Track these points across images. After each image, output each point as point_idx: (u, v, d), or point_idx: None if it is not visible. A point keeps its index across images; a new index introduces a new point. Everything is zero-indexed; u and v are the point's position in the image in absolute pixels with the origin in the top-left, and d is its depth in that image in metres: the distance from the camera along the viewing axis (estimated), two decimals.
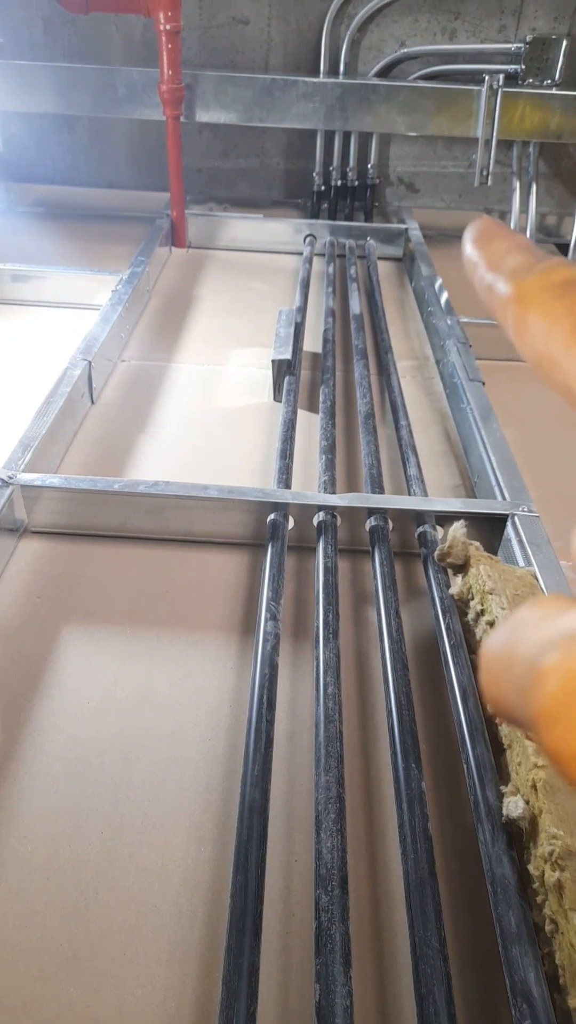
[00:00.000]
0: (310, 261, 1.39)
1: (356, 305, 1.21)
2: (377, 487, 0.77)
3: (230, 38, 1.56)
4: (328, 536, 0.69)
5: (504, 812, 0.45)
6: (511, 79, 1.48)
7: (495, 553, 0.71)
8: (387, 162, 1.71)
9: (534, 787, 0.43)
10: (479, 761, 0.49)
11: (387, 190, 1.74)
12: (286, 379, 0.97)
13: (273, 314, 1.15)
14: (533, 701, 0.12)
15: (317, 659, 0.56)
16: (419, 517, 0.71)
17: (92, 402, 0.96)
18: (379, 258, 1.49)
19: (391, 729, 0.51)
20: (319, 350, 1.09)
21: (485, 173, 1.49)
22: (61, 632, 0.63)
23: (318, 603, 0.62)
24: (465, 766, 0.49)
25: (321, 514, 0.71)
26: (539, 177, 1.62)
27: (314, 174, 1.64)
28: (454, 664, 0.56)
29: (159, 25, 1.26)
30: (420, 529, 0.70)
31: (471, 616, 0.60)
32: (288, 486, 0.77)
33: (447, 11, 1.53)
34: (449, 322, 1.11)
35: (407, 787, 0.47)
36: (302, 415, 0.95)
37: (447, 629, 0.59)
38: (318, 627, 0.59)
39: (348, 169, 1.63)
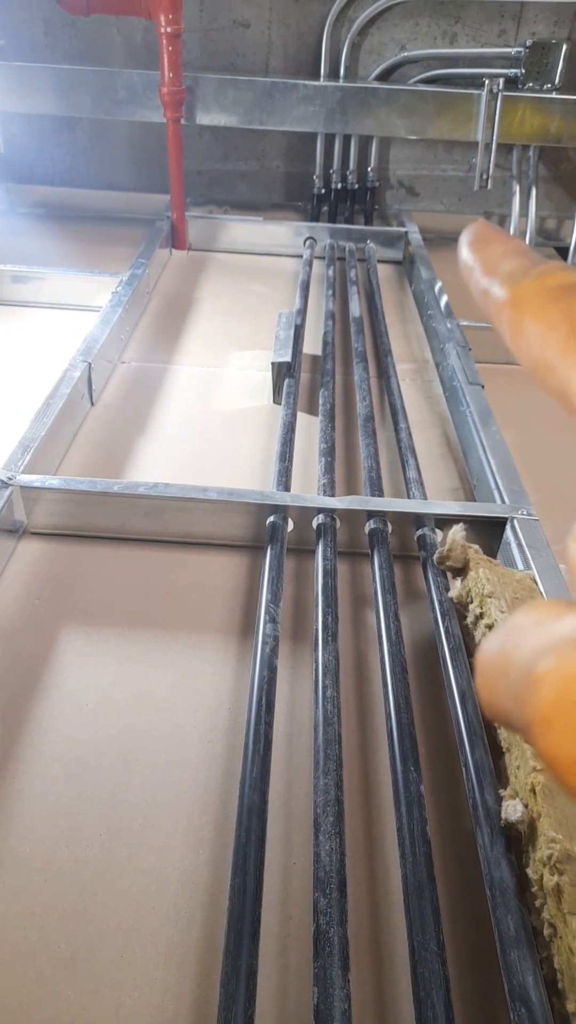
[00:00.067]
0: (310, 264, 1.39)
1: (356, 308, 1.21)
2: (376, 490, 0.77)
3: (231, 41, 1.57)
4: (327, 538, 0.69)
5: (503, 816, 0.45)
6: (511, 83, 1.48)
7: (494, 556, 0.71)
8: (387, 165, 1.71)
9: (533, 791, 0.43)
10: (478, 764, 0.49)
11: (387, 193, 1.74)
12: (286, 381, 0.97)
13: (273, 316, 1.15)
14: (528, 706, 0.12)
15: (316, 662, 0.56)
16: (418, 520, 0.71)
17: (92, 404, 0.96)
18: (379, 261, 1.49)
19: (390, 732, 0.51)
20: (319, 353, 1.09)
21: (485, 177, 1.49)
22: (60, 633, 0.63)
23: (317, 605, 0.62)
24: (464, 769, 0.49)
25: (320, 516, 0.71)
26: (539, 181, 1.63)
27: (314, 177, 1.65)
28: (453, 667, 0.56)
29: (160, 27, 1.26)
30: (419, 532, 0.71)
31: (470, 619, 0.60)
32: (287, 488, 0.77)
33: (447, 15, 1.53)
34: (449, 325, 1.12)
35: (406, 790, 0.47)
36: (302, 417, 0.95)
37: (446, 632, 0.59)
38: (317, 630, 0.59)
39: (348, 172, 1.63)
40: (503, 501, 0.74)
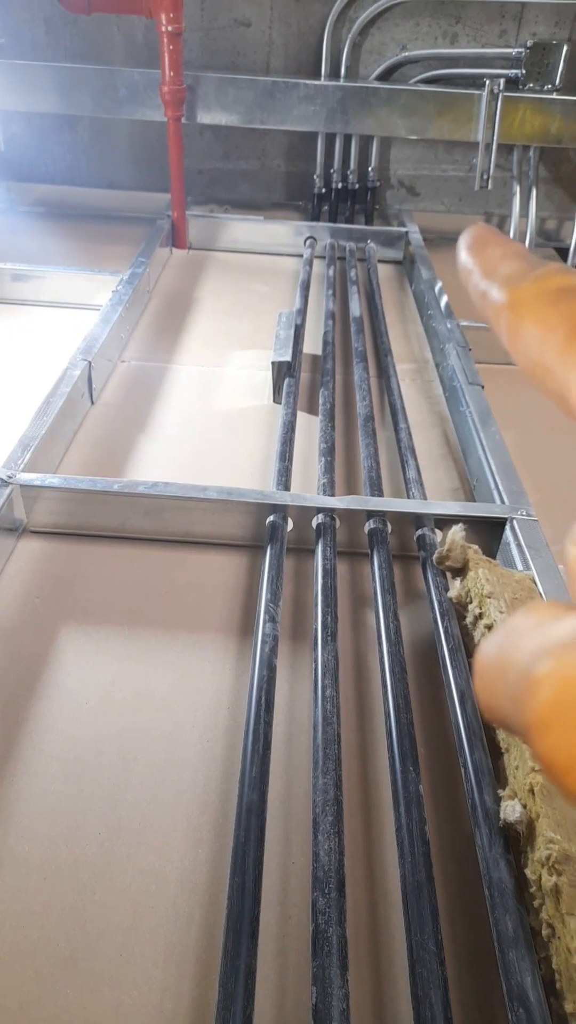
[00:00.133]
0: (310, 263, 1.39)
1: (356, 308, 1.21)
2: (376, 490, 0.77)
3: (231, 40, 1.56)
4: (327, 538, 0.69)
5: (501, 816, 0.45)
6: (512, 83, 1.48)
7: (494, 557, 0.71)
8: (388, 165, 1.71)
9: (531, 791, 0.44)
10: (477, 765, 0.49)
11: (387, 193, 1.74)
12: (286, 381, 0.97)
13: (273, 316, 1.15)
14: (527, 709, 0.12)
15: (315, 661, 0.56)
16: (418, 520, 0.71)
17: (92, 402, 0.96)
18: (379, 261, 1.49)
19: (389, 732, 0.51)
20: (319, 352, 1.09)
21: (485, 177, 1.49)
22: (60, 632, 0.63)
23: (317, 605, 0.62)
24: (463, 770, 0.49)
25: (320, 516, 0.71)
26: (539, 181, 1.63)
27: (315, 176, 1.64)
28: (452, 667, 0.56)
29: (161, 26, 1.26)
30: (419, 532, 0.71)
31: (469, 619, 0.60)
32: (287, 488, 0.77)
33: (448, 15, 1.53)
34: (449, 325, 1.12)
35: (405, 790, 0.47)
36: (302, 417, 0.95)
37: (445, 632, 0.59)
38: (316, 629, 0.59)
39: (349, 172, 1.63)
40: (502, 501, 0.74)
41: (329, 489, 0.77)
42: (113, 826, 0.49)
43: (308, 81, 1.45)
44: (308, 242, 1.50)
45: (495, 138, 1.45)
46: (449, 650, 0.58)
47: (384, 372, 1.06)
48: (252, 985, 0.38)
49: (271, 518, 0.71)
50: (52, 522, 0.74)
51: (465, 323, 1.12)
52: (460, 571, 0.63)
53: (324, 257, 1.45)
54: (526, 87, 1.48)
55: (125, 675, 0.60)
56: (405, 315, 1.32)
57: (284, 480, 0.77)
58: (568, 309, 0.16)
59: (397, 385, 1.00)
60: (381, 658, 0.57)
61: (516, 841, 0.44)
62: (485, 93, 1.42)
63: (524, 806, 0.44)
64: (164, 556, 0.73)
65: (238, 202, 1.71)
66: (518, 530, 0.69)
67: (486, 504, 0.75)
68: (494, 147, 1.47)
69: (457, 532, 0.63)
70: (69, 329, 1.15)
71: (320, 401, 0.95)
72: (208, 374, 1.07)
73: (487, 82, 1.42)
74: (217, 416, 0.97)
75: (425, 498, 0.77)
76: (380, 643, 0.59)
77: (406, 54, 1.56)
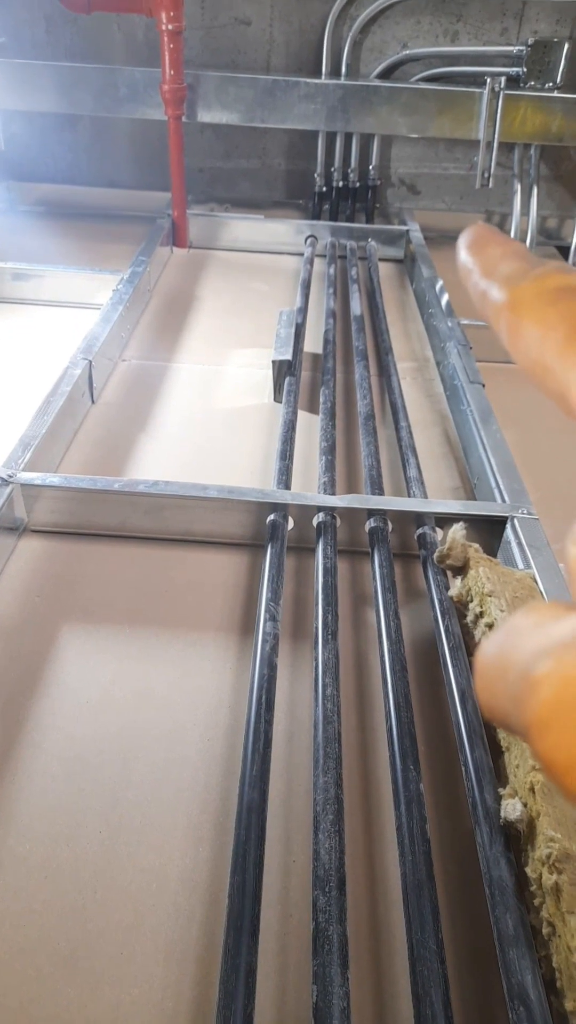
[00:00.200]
0: (311, 262, 1.39)
1: (357, 306, 1.21)
2: (377, 488, 0.77)
3: (232, 38, 1.56)
4: (328, 537, 0.69)
5: (502, 814, 0.45)
6: (513, 82, 1.48)
7: (494, 555, 0.71)
8: (388, 163, 1.71)
9: (532, 790, 0.44)
10: (477, 763, 0.49)
11: (388, 191, 1.74)
12: (286, 380, 0.97)
13: (274, 315, 1.15)
14: (527, 709, 0.12)
15: (316, 660, 0.56)
16: (419, 519, 0.71)
17: (92, 401, 0.97)
18: (380, 259, 1.49)
19: (390, 731, 0.51)
20: (319, 351, 1.09)
21: (486, 175, 1.49)
22: (60, 631, 0.63)
23: (317, 604, 0.62)
24: (463, 768, 0.49)
25: (321, 515, 0.71)
26: (540, 180, 1.62)
27: (315, 175, 1.64)
28: (453, 666, 0.56)
29: (161, 25, 1.26)
30: (420, 531, 0.71)
31: (470, 618, 0.60)
32: (288, 487, 0.77)
33: (449, 13, 1.53)
34: (450, 324, 1.12)
35: (405, 789, 0.47)
36: (302, 416, 0.95)
37: (446, 631, 0.59)
38: (317, 628, 0.59)
39: (349, 170, 1.63)
40: (503, 500, 0.74)
41: (330, 488, 0.77)
42: (114, 825, 0.49)
43: (309, 79, 1.45)
44: (309, 241, 1.50)
45: (496, 136, 1.45)
46: (450, 648, 0.58)
47: (385, 370, 1.06)
48: (253, 983, 0.38)
49: (272, 517, 0.71)
50: (53, 521, 0.74)
51: (466, 322, 1.12)
52: (461, 570, 0.63)
53: (325, 256, 1.44)
54: (527, 85, 1.48)
55: (126, 674, 0.60)
56: (406, 313, 1.32)
57: (285, 479, 0.77)
58: (568, 308, 0.16)
59: (398, 383, 1.00)
60: (382, 656, 0.57)
61: (517, 839, 0.44)
62: (486, 91, 1.42)
63: (525, 804, 0.44)
64: (165, 555, 0.73)
65: (239, 201, 1.71)
66: (519, 529, 0.69)
67: (487, 503, 0.75)
68: (495, 145, 1.46)
69: (458, 531, 0.63)
70: (70, 328, 1.15)
71: (321, 400, 0.95)
72: (209, 373, 1.07)
73: (488, 80, 1.42)
74: (218, 415, 0.97)
75: (426, 497, 0.77)
76: (381, 642, 0.59)
77: (407, 52, 1.55)
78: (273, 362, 0.98)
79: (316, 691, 0.54)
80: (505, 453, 0.80)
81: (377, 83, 1.48)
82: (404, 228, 1.53)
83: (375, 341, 1.17)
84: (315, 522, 0.71)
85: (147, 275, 1.25)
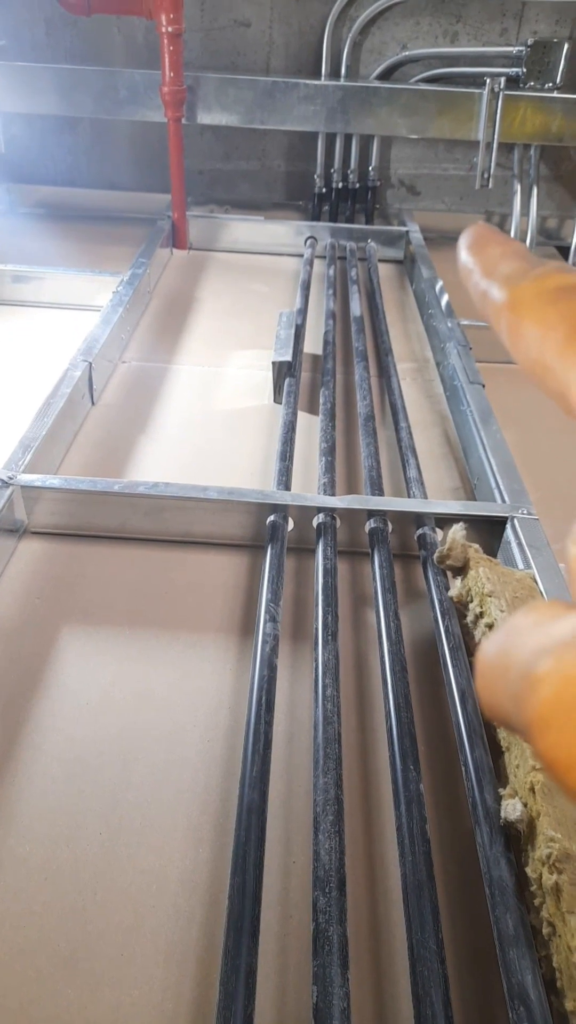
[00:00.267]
0: (311, 263, 1.39)
1: (357, 307, 1.21)
2: (377, 489, 0.77)
3: (232, 40, 1.56)
4: (327, 538, 0.69)
5: (502, 814, 0.45)
6: (512, 82, 1.48)
7: (494, 555, 0.71)
8: (388, 164, 1.71)
9: (532, 790, 0.44)
10: (477, 763, 0.49)
11: (388, 192, 1.74)
12: (286, 381, 0.97)
13: (273, 316, 1.15)
14: (527, 707, 0.12)
15: (316, 661, 0.56)
16: (419, 519, 0.71)
17: (92, 403, 0.97)
18: (380, 260, 1.49)
19: (390, 731, 0.51)
20: (319, 352, 1.09)
21: (486, 176, 1.49)
22: (60, 632, 0.63)
23: (317, 605, 0.62)
24: (463, 768, 0.49)
25: (321, 516, 0.71)
26: (540, 180, 1.62)
27: (315, 176, 1.64)
28: (453, 666, 0.56)
29: (161, 27, 1.26)
30: (419, 531, 0.71)
31: (470, 618, 0.60)
32: (288, 488, 0.77)
33: (449, 14, 1.53)
34: (449, 324, 1.12)
35: (405, 789, 0.47)
36: (302, 417, 0.95)
37: (446, 631, 0.59)
38: (317, 629, 0.59)
39: (349, 171, 1.63)
40: (503, 500, 0.74)
41: (330, 489, 0.77)
42: (114, 826, 0.49)
43: (308, 81, 1.45)
44: (308, 242, 1.50)
45: (496, 137, 1.45)
46: (450, 649, 0.58)
47: (385, 371, 1.06)
48: (253, 984, 0.38)
49: (272, 518, 0.71)
50: (53, 523, 0.74)
51: (466, 322, 1.12)
52: (461, 570, 0.63)
53: (324, 257, 1.45)
54: (527, 86, 1.48)
55: (126, 675, 0.60)
56: (406, 314, 1.32)
57: (285, 480, 0.77)
58: (568, 308, 0.16)
59: (398, 384, 1.00)
60: (382, 657, 0.57)
61: (517, 839, 0.44)
62: (486, 92, 1.42)
63: (525, 804, 0.44)
64: (165, 556, 0.73)
65: (238, 202, 1.71)
66: (519, 529, 0.69)
67: (487, 503, 0.75)
68: (495, 146, 1.46)
69: (458, 531, 0.63)
70: (70, 330, 1.15)
71: (321, 401, 0.95)
72: (209, 374, 1.07)
73: (488, 81, 1.42)
74: (217, 416, 0.97)
75: (426, 497, 0.77)
76: (381, 642, 0.59)
77: (406, 53, 1.56)
78: (273, 363, 0.98)
79: (316, 692, 0.54)
80: (505, 453, 0.80)
81: (377, 84, 1.48)
82: (404, 229, 1.54)
83: (375, 342, 1.17)
84: (315, 523, 0.71)
85: (147, 277, 1.25)
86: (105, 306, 1.10)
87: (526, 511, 0.71)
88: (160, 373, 1.07)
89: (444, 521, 0.71)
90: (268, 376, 1.01)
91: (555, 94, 1.46)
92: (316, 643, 0.58)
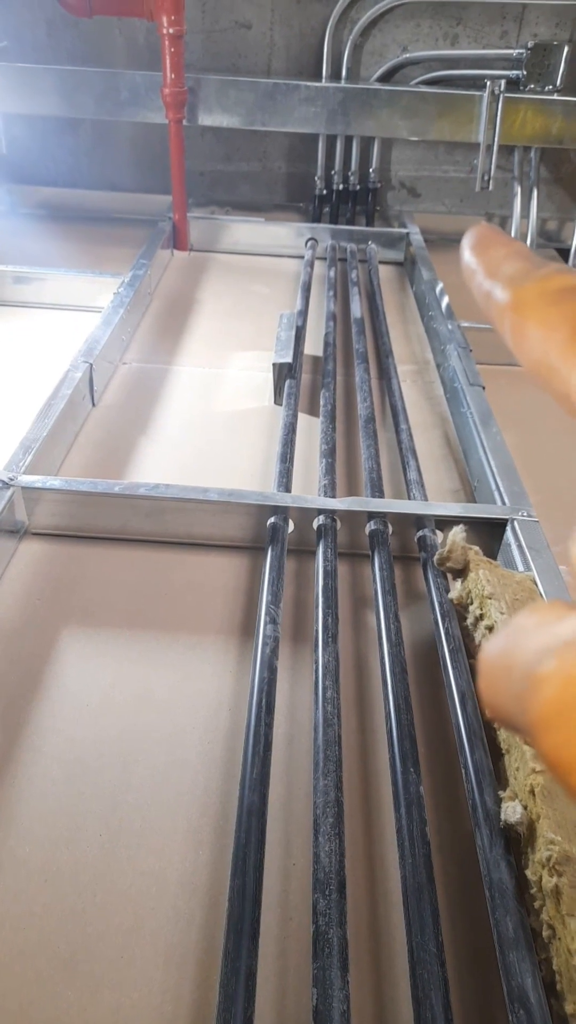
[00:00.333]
0: (311, 265, 1.40)
1: (357, 309, 1.21)
2: (377, 491, 0.77)
3: (233, 42, 1.57)
4: (328, 540, 0.69)
5: (502, 817, 0.45)
6: (513, 84, 1.48)
7: (494, 558, 0.71)
8: (389, 166, 1.71)
9: (532, 792, 0.43)
10: (477, 766, 0.49)
11: (389, 194, 1.74)
12: (287, 382, 0.97)
13: (274, 317, 1.15)
14: (530, 708, 0.12)
15: (316, 663, 0.56)
16: (419, 521, 0.71)
17: (93, 404, 0.97)
18: (380, 262, 1.49)
19: (390, 733, 0.51)
20: (320, 354, 1.09)
21: (486, 178, 1.49)
22: (60, 634, 0.63)
23: (317, 607, 0.62)
24: (463, 771, 0.49)
25: (321, 518, 0.71)
26: (540, 182, 1.63)
27: (316, 178, 1.65)
28: (453, 668, 0.56)
29: (162, 29, 1.26)
30: (420, 533, 0.71)
31: (470, 620, 0.60)
32: (288, 489, 0.77)
33: (449, 16, 1.53)
34: (450, 326, 1.12)
35: (405, 791, 0.47)
36: (303, 418, 0.95)
37: (446, 633, 0.59)
38: (317, 631, 0.59)
39: (350, 173, 1.63)
40: (503, 502, 0.74)
41: (330, 490, 0.77)
42: (114, 828, 0.49)
43: (309, 83, 1.45)
44: (309, 243, 1.50)
45: (496, 139, 1.46)
46: (450, 651, 0.58)
47: (385, 373, 1.06)
48: (253, 987, 0.38)
49: (272, 520, 0.71)
50: (53, 524, 0.74)
51: (466, 324, 1.12)
52: (461, 572, 0.63)
53: (325, 258, 1.45)
54: (527, 88, 1.48)
55: (126, 677, 0.60)
56: (406, 316, 1.32)
57: (285, 482, 0.77)
58: (571, 309, 0.16)
59: (398, 386, 1.00)
60: (382, 659, 0.57)
61: (517, 842, 0.44)
62: (486, 94, 1.42)
63: (525, 807, 0.44)
64: (165, 558, 0.73)
65: (239, 204, 1.72)
66: (519, 531, 0.69)
67: (487, 505, 0.75)
68: (495, 148, 1.47)
69: (458, 533, 0.63)
70: (70, 331, 1.15)
71: (321, 402, 0.95)
72: (209, 376, 1.07)
73: (488, 83, 1.42)
74: (218, 418, 0.97)
75: (426, 499, 0.77)
76: (381, 644, 0.59)
77: (407, 55, 1.56)
78: (273, 365, 0.98)
79: (316, 694, 0.54)
80: (505, 455, 0.80)
81: (377, 86, 1.49)
82: (404, 231, 1.54)
83: (375, 344, 1.17)
84: (315, 525, 0.71)
85: (148, 278, 1.25)
86: (106, 307, 1.10)
87: (526, 513, 0.71)
88: (161, 374, 1.07)
89: (444, 523, 0.71)
90: (269, 378, 1.01)
91: (555, 96, 1.46)
92: (316, 645, 0.58)
